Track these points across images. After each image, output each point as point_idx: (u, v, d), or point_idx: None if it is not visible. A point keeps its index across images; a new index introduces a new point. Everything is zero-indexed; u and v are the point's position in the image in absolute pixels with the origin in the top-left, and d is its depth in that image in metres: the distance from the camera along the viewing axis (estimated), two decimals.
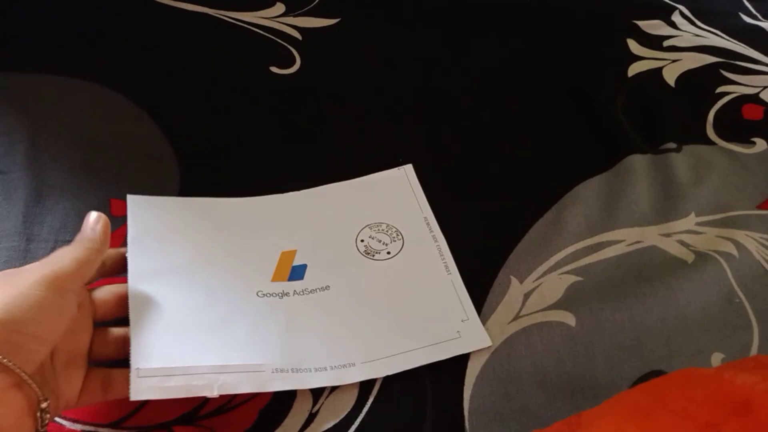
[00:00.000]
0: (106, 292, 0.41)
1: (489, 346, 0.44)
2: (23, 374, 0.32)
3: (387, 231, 0.50)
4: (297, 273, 0.47)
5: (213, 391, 0.38)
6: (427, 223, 0.50)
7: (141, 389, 0.37)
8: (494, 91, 0.62)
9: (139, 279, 0.42)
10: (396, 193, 0.52)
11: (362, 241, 0.49)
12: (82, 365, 0.37)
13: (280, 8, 0.68)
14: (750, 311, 0.47)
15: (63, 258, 0.36)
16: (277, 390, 0.40)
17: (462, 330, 0.44)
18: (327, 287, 0.46)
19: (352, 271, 0.47)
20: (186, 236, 0.47)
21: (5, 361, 0.31)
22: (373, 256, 0.48)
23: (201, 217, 0.49)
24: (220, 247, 0.47)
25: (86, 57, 0.62)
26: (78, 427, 0.39)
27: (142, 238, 0.45)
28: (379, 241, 0.49)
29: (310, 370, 0.41)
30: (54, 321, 0.34)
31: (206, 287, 0.44)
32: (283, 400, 0.41)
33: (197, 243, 0.47)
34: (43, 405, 0.33)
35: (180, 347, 0.40)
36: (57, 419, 0.40)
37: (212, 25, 0.66)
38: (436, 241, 0.49)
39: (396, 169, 0.54)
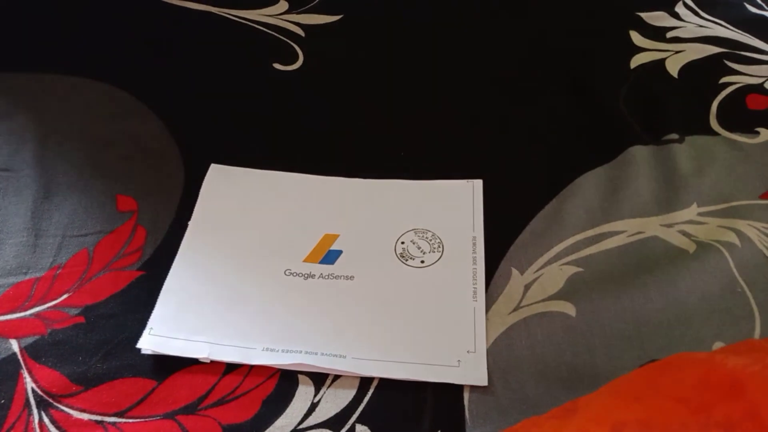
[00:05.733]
0: None
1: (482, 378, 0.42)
2: None
3: (430, 240, 0.49)
4: (330, 257, 0.48)
5: (206, 356, 0.43)
6: (474, 243, 0.49)
7: (146, 342, 0.43)
8: (496, 83, 0.63)
9: (190, 244, 0.49)
10: (454, 205, 0.52)
11: (402, 243, 0.49)
12: None
13: (283, 6, 0.69)
14: (752, 300, 0.46)
15: None
16: (262, 364, 0.42)
17: (463, 360, 0.43)
18: (351, 277, 0.47)
19: (380, 270, 0.48)
20: (247, 210, 0.51)
21: None
22: (407, 260, 0.48)
23: (267, 191, 0.53)
24: (272, 220, 0.51)
25: (93, 56, 0.63)
26: (84, 416, 0.40)
27: (206, 210, 0.51)
28: (419, 248, 0.49)
29: (300, 352, 0.43)
30: None
31: (243, 261, 0.48)
32: (286, 390, 0.42)
33: (254, 217, 0.51)
34: None
35: (191, 321, 0.45)
36: (64, 408, 0.41)
37: (216, 23, 0.67)
38: (475, 263, 0.48)
39: (465, 181, 0.53)
